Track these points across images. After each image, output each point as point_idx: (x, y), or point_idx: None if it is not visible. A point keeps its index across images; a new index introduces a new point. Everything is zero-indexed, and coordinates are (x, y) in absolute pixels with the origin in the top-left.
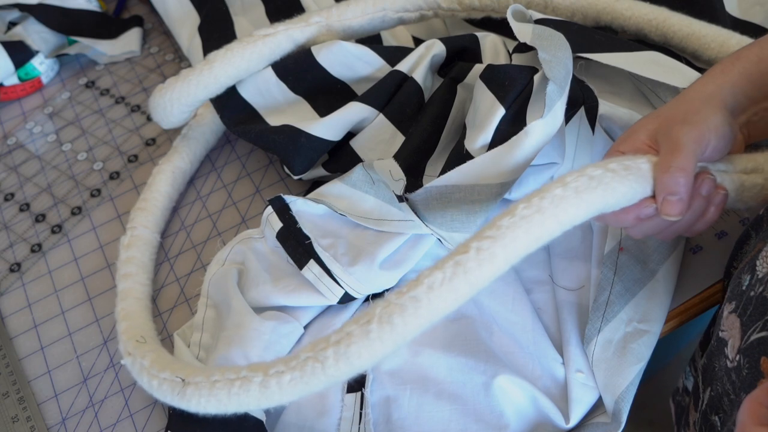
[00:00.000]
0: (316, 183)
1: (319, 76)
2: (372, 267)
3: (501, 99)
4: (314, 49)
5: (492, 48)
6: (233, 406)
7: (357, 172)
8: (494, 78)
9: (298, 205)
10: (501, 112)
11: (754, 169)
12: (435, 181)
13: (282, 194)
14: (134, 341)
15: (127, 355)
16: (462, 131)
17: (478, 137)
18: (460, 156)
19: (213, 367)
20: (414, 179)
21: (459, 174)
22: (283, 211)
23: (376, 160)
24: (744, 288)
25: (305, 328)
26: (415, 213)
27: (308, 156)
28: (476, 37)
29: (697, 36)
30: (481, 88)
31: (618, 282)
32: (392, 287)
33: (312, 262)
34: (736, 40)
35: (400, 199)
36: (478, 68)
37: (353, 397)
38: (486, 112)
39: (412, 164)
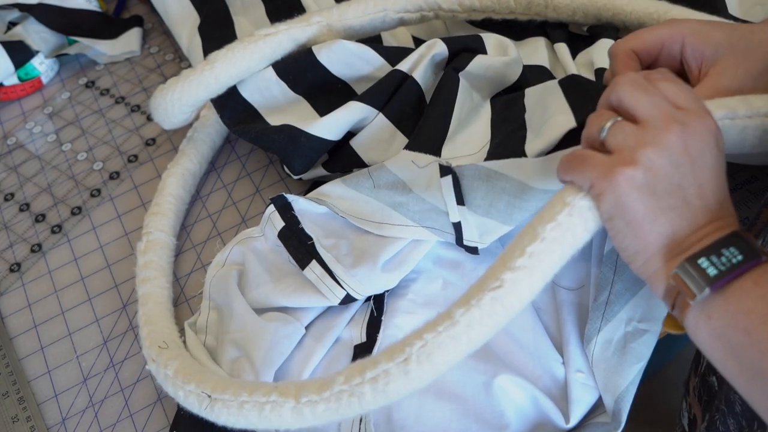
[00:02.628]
0: (316, 183)
1: (319, 75)
2: (374, 269)
3: (576, 113)
4: (315, 48)
5: (498, 47)
6: (264, 425)
7: (360, 175)
8: (575, 90)
9: (300, 204)
10: (571, 125)
11: None
12: (487, 162)
13: (284, 193)
14: (156, 347)
15: (151, 361)
16: (521, 122)
17: (541, 145)
18: (515, 150)
19: (237, 381)
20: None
21: (512, 166)
22: (285, 209)
23: (389, 160)
24: None
25: (306, 328)
26: (455, 188)
27: (308, 156)
28: (480, 38)
29: None
30: (557, 94)
31: (618, 281)
32: (392, 288)
33: (314, 262)
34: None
35: (444, 171)
36: (480, 58)
37: None
38: (556, 121)
39: (428, 148)
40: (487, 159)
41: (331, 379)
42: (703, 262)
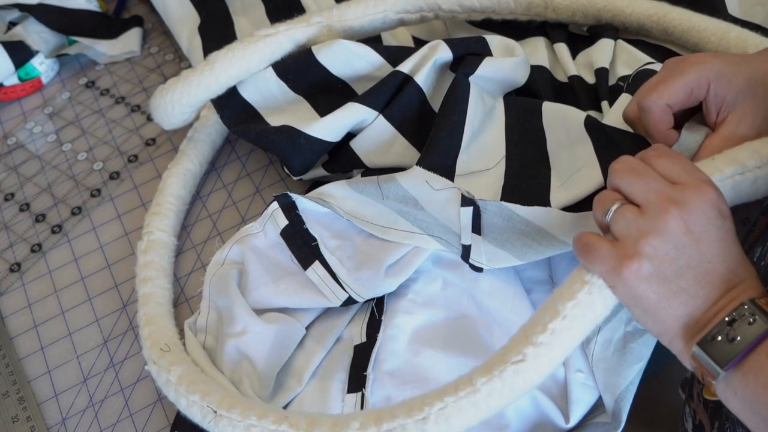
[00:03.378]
0: (316, 183)
1: (319, 75)
2: (378, 273)
3: (603, 168)
4: (315, 48)
5: (504, 50)
6: None
7: (369, 184)
8: (604, 143)
9: (304, 203)
10: (599, 184)
11: None
12: (512, 205)
13: (288, 192)
14: (158, 349)
15: (152, 363)
16: (543, 153)
17: (568, 198)
18: (541, 198)
19: (245, 401)
20: (445, 177)
21: (533, 213)
22: (289, 208)
23: (400, 174)
24: (754, 260)
25: (307, 328)
26: (473, 220)
27: (308, 157)
28: (484, 39)
29: (697, 30)
30: (586, 144)
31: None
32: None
33: (317, 263)
34: (736, 33)
35: (466, 202)
36: (489, 61)
37: (354, 398)
38: (584, 176)
39: (442, 166)
40: (507, 193)
41: (345, 421)
42: (714, 342)
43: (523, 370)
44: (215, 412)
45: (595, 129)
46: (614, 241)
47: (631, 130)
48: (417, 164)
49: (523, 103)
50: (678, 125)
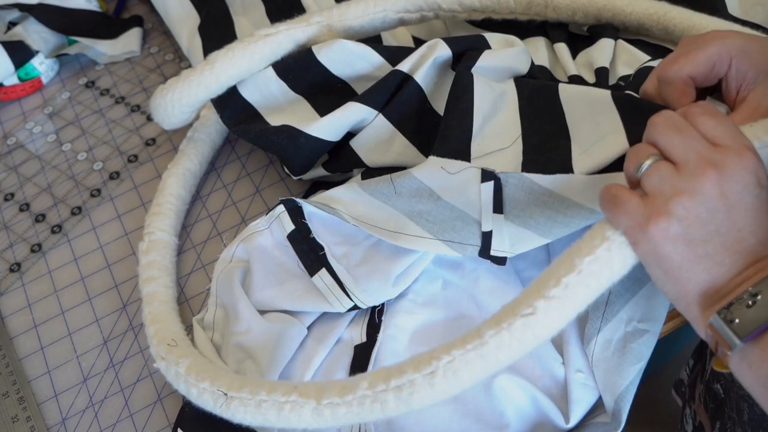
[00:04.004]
0: (317, 183)
1: (319, 75)
2: (386, 284)
3: (630, 134)
4: (315, 48)
5: (502, 44)
6: (282, 424)
7: (380, 181)
8: (630, 109)
9: (310, 209)
10: (625, 148)
11: None
12: (533, 175)
13: (294, 197)
14: (165, 345)
15: (160, 359)
16: (561, 126)
17: (591, 163)
18: (563, 166)
19: (253, 380)
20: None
21: (559, 182)
22: (295, 213)
23: (414, 168)
24: None
25: (308, 329)
26: (494, 196)
27: (307, 156)
28: (483, 37)
29: (697, 29)
30: (611, 112)
31: (618, 281)
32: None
33: (323, 271)
34: (737, 30)
35: (486, 177)
36: (489, 53)
37: None
38: (609, 141)
39: (456, 150)
40: (527, 166)
41: (354, 383)
42: (736, 312)
43: (532, 323)
44: (225, 394)
45: (622, 99)
46: (644, 196)
47: None
48: (431, 154)
49: (537, 85)
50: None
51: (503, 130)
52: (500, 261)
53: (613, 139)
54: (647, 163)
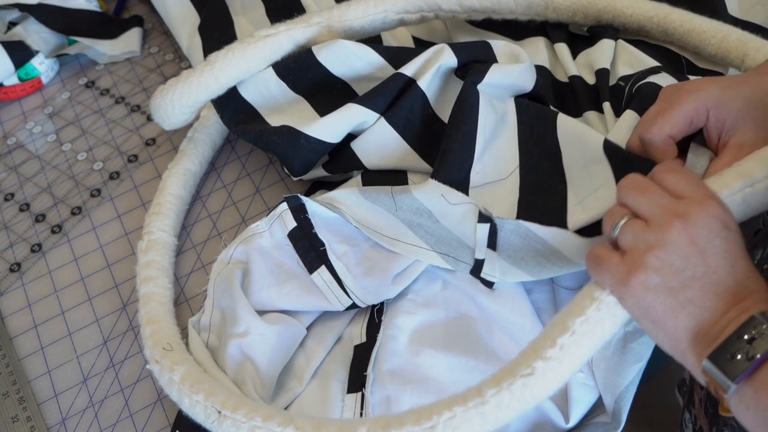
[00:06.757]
0: (317, 183)
1: (319, 75)
2: (385, 282)
3: None
4: (315, 48)
5: (508, 55)
6: None
7: (383, 194)
8: (621, 164)
9: (313, 207)
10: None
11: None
12: (530, 224)
13: (299, 194)
14: (161, 348)
15: (155, 363)
16: (559, 169)
17: (585, 218)
18: (558, 217)
19: (249, 402)
20: (460, 190)
21: (551, 234)
22: (298, 211)
23: (415, 186)
24: (755, 262)
25: (307, 329)
26: (489, 236)
27: (307, 157)
28: (489, 45)
29: (697, 32)
30: (603, 165)
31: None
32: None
33: (323, 268)
34: (737, 35)
35: (483, 218)
36: (496, 68)
37: (354, 397)
38: (600, 195)
39: (456, 178)
40: (524, 209)
41: (352, 426)
42: (725, 356)
43: (531, 383)
44: (219, 412)
45: (613, 152)
46: (623, 254)
47: None
48: (432, 177)
49: (537, 111)
50: (681, 147)
51: (502, 159)
52: (489, 284)
53: (605, 194)
54: (621, 223)
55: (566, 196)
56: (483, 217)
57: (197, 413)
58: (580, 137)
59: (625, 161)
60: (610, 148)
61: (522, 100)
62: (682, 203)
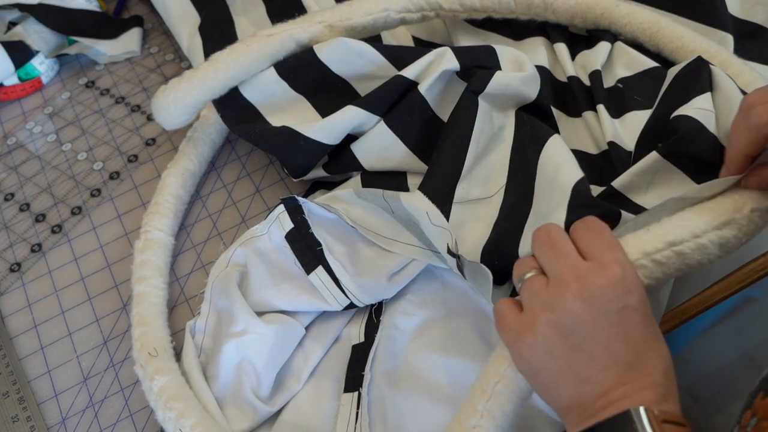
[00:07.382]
0: (317, 183)
1: (320, 74)
2: (381, 280)
3: (568, 219)
4: (316, 47)
5: (512, 62)
6: None
7: (377, 199)
8: (580, 202)
9: (310, 207)
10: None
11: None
12: (486, 270)
13: (296, 195)
14: (146, 353)
15: (140, 367)
16: (530, 189)
17: (528, 247)
18: (512, 240)
19: (217, 428)
20: (443, 205)
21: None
22: (295, 212)
23: (404, 194)
24: None
25: (306, 328)
26: (460, 270)
27: (307, 158)
28: (493, 51)
29: (685, 51)
30: (563, 195)
31: None
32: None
33: (320, 268)
34: (721, 59)
35: (451, 253)
36: (499, 77)
37: (350, 397)
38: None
39: (441, 192)
40: (487, 251)
41: None
42: None
43: None
44: None
45: (581, 193)
46: (522, 311)
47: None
48: (419, 189)
49: (533, 129)
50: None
51: (491, 176)
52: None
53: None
54: (526, 276)
55: (526, 220)
56: (451, 252)
57: (168, 428)
58: (557, 167)
59: (587, 206)
60: (579, 189)
61: (522, 115)
62: (585, 266)
